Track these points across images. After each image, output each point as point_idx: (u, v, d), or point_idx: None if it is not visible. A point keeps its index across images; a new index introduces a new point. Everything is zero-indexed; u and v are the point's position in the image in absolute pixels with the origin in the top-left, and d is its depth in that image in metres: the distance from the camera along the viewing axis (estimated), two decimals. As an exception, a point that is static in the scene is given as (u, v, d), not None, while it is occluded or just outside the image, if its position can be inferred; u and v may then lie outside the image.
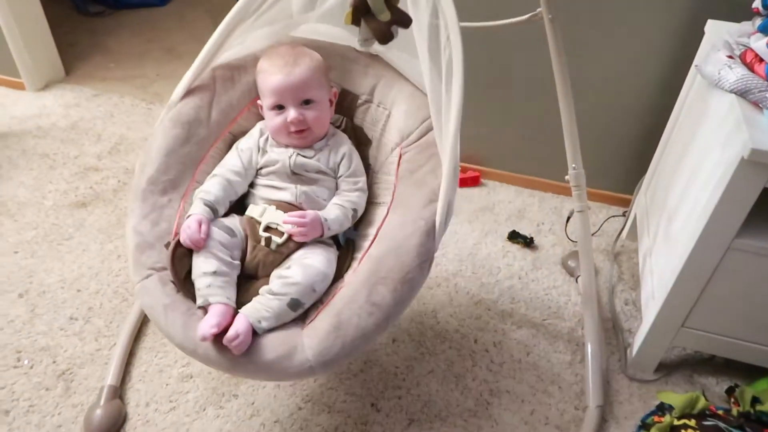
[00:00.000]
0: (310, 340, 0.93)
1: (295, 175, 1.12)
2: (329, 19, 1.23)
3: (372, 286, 0.96)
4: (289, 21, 1.21)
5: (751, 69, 1.16)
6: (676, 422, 1.20)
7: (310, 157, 1.13)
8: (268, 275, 1.04)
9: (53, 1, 2.70)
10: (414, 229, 1.00)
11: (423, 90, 1.13)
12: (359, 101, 1.25)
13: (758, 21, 1.20)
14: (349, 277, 1.02)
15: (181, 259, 1.00)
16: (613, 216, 1.86)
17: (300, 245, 1.06)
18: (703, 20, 1.43)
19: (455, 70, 0.99)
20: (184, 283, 1.00)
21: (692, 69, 1.47)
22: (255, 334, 0.95)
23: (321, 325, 0.95)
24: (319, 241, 1.08)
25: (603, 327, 1.52)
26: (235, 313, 0.97)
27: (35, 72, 2.35)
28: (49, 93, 2.37)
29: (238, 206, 1.14)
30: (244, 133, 1.19)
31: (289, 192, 1.11)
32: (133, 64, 2.61)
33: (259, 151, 1.15)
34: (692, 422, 1.18)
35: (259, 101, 1.18)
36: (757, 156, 1.02)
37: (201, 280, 0.98)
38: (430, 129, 1.12)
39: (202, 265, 0.99)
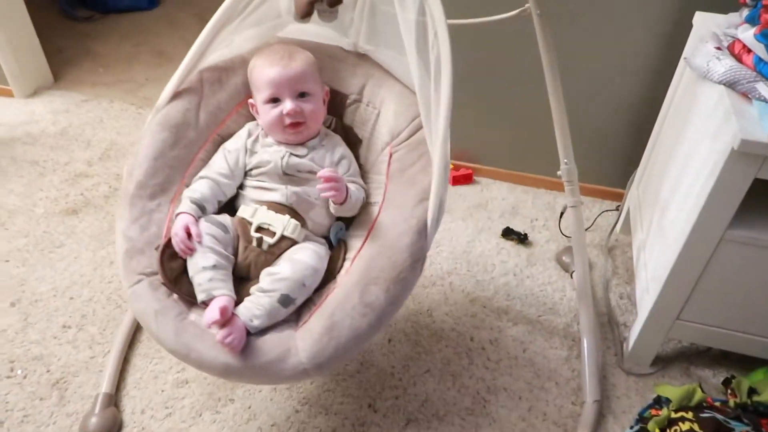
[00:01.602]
0: (304, 342, 0.93)
1: (287, 175, 1.11)
2: (316, 19, 1.22)
3: (364, 286, 0.96)
4: (276, 21, 1.20)
5: (739, 60, 1.16)
6: (673, 415, 1.20)
7: (303, 156, 1.12)
8: (257, 276, 1.03)
9: (40, 7, 2.69)
10: (405, 229, 1.00)
11: (412, 89, 1.13)
12: (348, 101, 1.24)
13: (745, 12, 1.20)
14: (342, 277, 1.02)
15: (170, 260, 1.00)
16: (607, 210, 1.86)
17: (291, 245, 1.05)
18: (691, 12, 1.43)
19: (443, 68, 0.98)
20: (176, 283, 0.99)
21: (681, 62, 1.47)
22: (249, 334, 0.94)
23: (314, 327, 0.95)
24: (309, 240, 1.08)
25: (598, 322, 1.52)
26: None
27: (23, 79, 2.33)
28: (37, 99, 2.35)
29: (228, 209, 1.13)
30: (232, 135, 1.18)
31: (279, 193, 1.10)
32: (122, 68, 2.59)
33: (246, 152, 1.14)
34: (689, 415, 1.18)
35: (250, 100, 1.17)
36: (746, 147, 1.02)
37: (201, 275, 0.98)
38: (419, 128, 1.11)
39: (200, 261, 0.99)
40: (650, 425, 1.19)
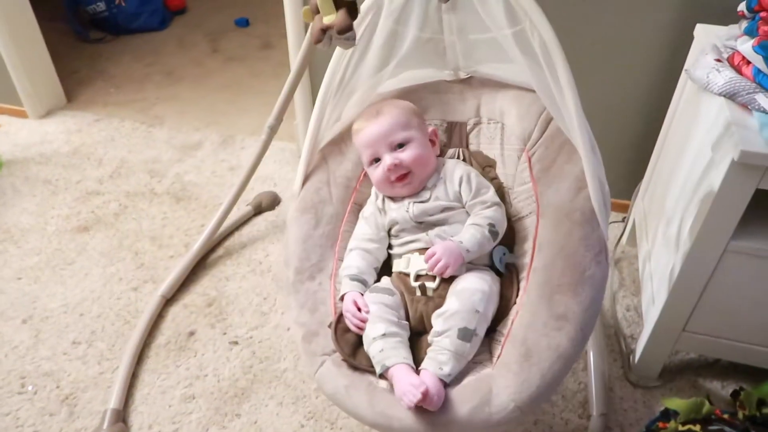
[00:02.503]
0: (504, 378, 0.85)
1: (422, 223, 1.08)
2: (408, 65, 1.22)
3: (549, 298, 0.89)
4: (372, 81, 1.20)
5: (738, 71, 1.17)
6: (681, 428, 1.18)
7: (427, 200, 1.09)
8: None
9: (54, 29, 2.75)
10: (572, 224, 0.93)
11: (526, 87, 1.12)
12: (468, 127, 1.24)
13: (744, 24, 1.21)
14: (521, 299, 0.96)
15: (344, 334, 0.98)
16: (612, 222, 1.86)
17: (457, 276, 1.01)
18: (692, 25, 1.44)
19: (552, 48, 0.94)
20: (355, 356, 0.96)
21: (683, 74, 1.48)
22: (447, 386, 0.88)
23: (509, 358, 0.88)
24: (470, 270, 1.02)
25: (605, 334, 1.51)
26: (417, 372, 0.90)
27: (37, 100, 2.38)
28: (51, 120, 2.41)
29: (386, 271, 1.11)
30: (366, 200, 1.18)
31: (423, 241, 1.06)
32: (133, 88, 2.65)
33: (380, 212, 1.13)
34: (697, 427, 1.17)
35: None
36: (747, 158, 1.02)
37: (373, 347, 0.93)
38: (549, 120, 1.09)
39: (370, 332, 0.95)
40: (657, 438, 1.18)
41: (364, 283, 1.04)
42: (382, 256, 1.11)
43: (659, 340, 1.33)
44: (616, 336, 1.52)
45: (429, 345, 0.94)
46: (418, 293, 1.01)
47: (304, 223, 1.11)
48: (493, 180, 1.16)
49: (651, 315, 1.35)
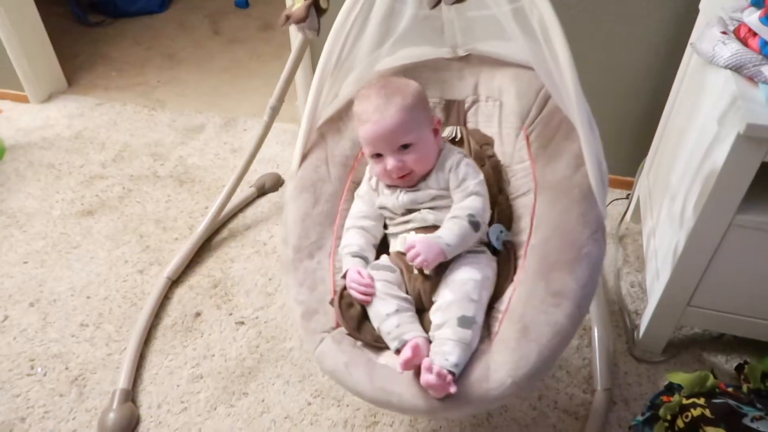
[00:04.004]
0: (502, 355, 0.85)
1: (411, 211, 1.07)
2: (406, 42, 1.21)
3: (546, 275, 0.88)
4: (370, 58, 1.18)
5: (744, 44, 1.15)
6: (685, 401, 1.19)
7: (419, 189, 1.07)
8: (432, 302, 0.99)
9: (53, 13, 2.74)
10: (570, 201, 0.92)
11: (525, 65, 1.11)
12: (466, 105, 1.24)
13: (751, -5, 1.19)
14: (519, 276, 0.96)
15: (347, 309, 0.98)
16: (617, 199, 1.86)
17: (451, 259, 0.99)
18: (697, -2, 1.43)
19: (551, 26, 0.91)
20: (360, 331, 0.96)
21: (688, 48, 1.46)
22: (455, 377, 0.85)
23: (507, 335, 0.87)
24: (468, 252, 1.01)
25: (609, 310, 1.52)
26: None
27: (38, 84, 2.38)
28: (52, 104, 2.40)
29: (384, 249, 1.11)
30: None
31: (416, 221, 1.06)
32: (134, 71, 2.63)
33: (374, 192, 1.12)
34: (702, 401, 1.18)
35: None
36: (753, 131, 1.01)
37: (387, 324, 0.94)
38: (547, 98, 1.08)
39: (381, 309, 0.95)
40: (662, 411, 1.19)
41: (365, 260, 1.05)
42: (379, 234, 1.11)
43: (664, 315, 1.34)
44: (620, 312, 1.53)
45: (430, 322, 0.95)
46: (416, 271, 1.01)
47: (302, 201, 1.11)
48: (491, 158, 1.16)
49: (655, 290, 1.36)
